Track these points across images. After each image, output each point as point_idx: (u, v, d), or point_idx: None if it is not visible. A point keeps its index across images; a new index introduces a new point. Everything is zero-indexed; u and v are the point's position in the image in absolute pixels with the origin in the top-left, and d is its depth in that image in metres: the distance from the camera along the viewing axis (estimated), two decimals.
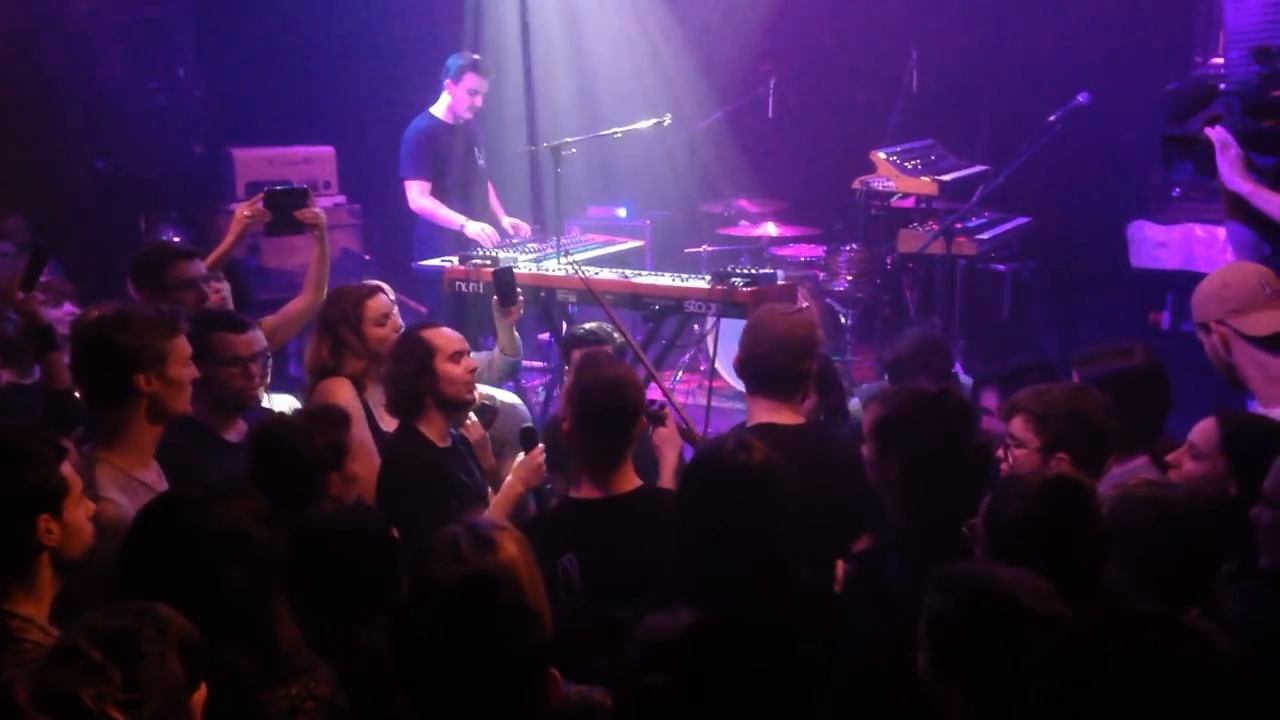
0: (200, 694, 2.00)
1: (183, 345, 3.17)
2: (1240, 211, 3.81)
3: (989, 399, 3.89)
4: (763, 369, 3.54)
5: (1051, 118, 6.02)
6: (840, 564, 3.04)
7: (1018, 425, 3.02)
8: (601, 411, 3.16)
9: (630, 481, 3.19)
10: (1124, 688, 1.56)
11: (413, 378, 3.76)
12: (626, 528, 3.08)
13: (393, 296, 4.45)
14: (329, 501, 3.10)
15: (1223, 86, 4.00)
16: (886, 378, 4.73)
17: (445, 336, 3.85)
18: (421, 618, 1.98)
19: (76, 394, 3.43)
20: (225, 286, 4.41)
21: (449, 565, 2.44)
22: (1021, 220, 7.33)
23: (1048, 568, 2.22)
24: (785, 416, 3.51)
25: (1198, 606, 2.31)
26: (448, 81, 6.68)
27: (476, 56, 6.82)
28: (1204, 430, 2.87)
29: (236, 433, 3.71)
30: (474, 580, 2.05)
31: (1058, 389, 3.13)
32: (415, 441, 3.74)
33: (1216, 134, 3.78)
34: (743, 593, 2.63)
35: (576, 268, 5.19)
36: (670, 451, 3.51)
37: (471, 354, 3.95)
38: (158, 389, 3.08)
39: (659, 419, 3.52)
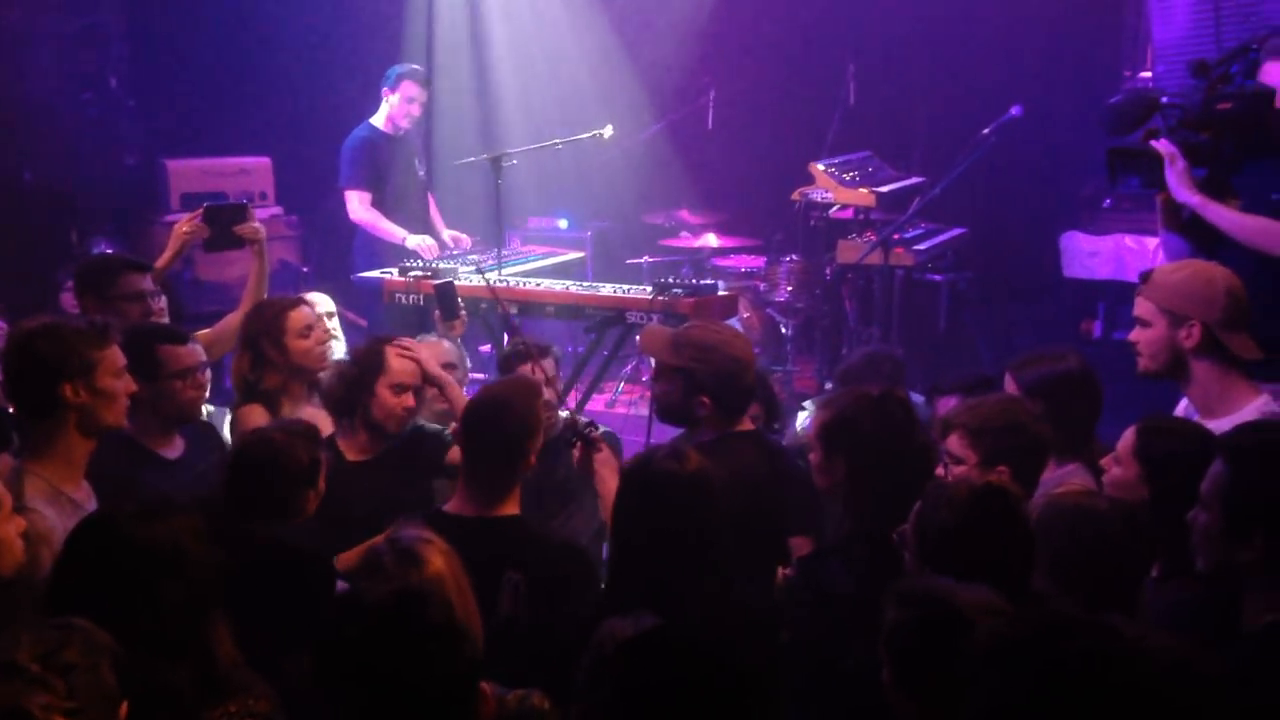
0: (124, 705, 1.99)
1: (114, 356, 3.08)
2: (1177, 223, 3.84)
3: (944, 408, 3.86)
4: (736, 392, 3.46)
5: (985, 130, 6.10)
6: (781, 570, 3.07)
7: (954, 442, 3.00)
8: (472, 434, 3.14)
9: (509, 508, 3.12)
10: (1058, 694, 1.58)
11: (351, 383, 3.74)
12: (481, 551, 2.92)
13: (331, 308, 4.40)
14: (304, 518, 3.11)
15: (1164, 100, 3.99)
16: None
17: (402, 365, 3.74)
18: (348, 637, 1.97)
19: (10, 410, 3.36)
20: (164, 301, 4.35)
21: (374, 581, 2.40)
22: (957, 231, 7.43)
23: (975, 575, 2.26)
24: (741, 426, 3.50)
25: (1122, 611, 2.35)
26: (385, 90, 6.64)
27: (415, 66, 6.79)
28: (1125, 436, 2.91)
29: (174, 449, 3.66)
30: (401, 599, 2.02)
31: (990, 401, 3.12)
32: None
33: (1164, 147, 3.74)
34: (675, 601, 2.62)
35: (487, 279, 5.06)
36: (611, 476, 3.31)
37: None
38: (85, 400, 3.00)
39: (594, 444, 3.38)
